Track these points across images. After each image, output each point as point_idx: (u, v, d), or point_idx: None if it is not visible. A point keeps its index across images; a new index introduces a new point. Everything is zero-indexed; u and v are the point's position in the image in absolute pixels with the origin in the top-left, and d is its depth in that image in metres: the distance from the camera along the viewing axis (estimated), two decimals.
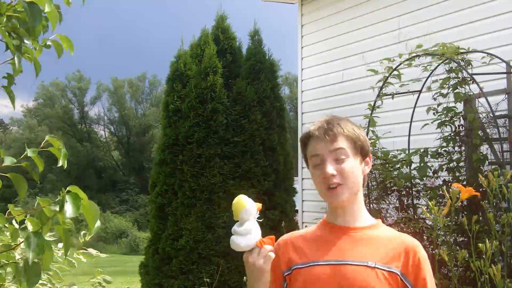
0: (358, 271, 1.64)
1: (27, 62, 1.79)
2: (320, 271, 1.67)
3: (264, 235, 1.71)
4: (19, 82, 1.91)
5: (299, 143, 1.81)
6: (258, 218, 1.71)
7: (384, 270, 1.64)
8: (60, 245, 2.12)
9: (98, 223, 1.37)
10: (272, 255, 1.66)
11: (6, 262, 1.60)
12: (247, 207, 1.68)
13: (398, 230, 1.81)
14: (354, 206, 1.73)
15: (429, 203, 2.94)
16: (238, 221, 1.70)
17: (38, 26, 1.48)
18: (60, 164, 1.48)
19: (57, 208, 1.29)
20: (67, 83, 43.03)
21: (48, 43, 1.77)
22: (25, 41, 1.67)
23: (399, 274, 1.65)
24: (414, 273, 1.65)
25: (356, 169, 1.70)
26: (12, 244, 1.53)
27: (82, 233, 2.30)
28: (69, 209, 1.27)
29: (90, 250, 2.26)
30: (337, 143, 1.68)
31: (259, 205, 1.72)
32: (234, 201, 1.70)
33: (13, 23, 1.59)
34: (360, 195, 1.74)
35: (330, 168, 1.66)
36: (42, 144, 1.46)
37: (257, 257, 1.65)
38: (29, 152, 1.41)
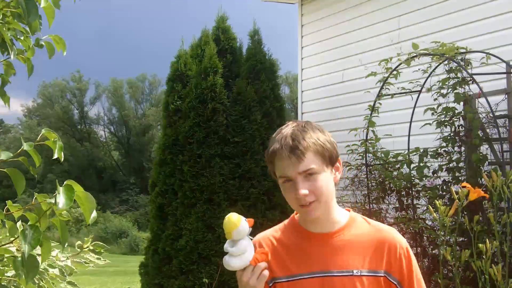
0: (344, 281, 1.61)
1: (22, 63, 1.78)
2: (306, 285, 1.64)
3: None
4: (18, 82, 1.91)
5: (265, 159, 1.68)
6: (249, 234, 1.64)
7: (370, 276, 1.62)
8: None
9: (94, 214, 1.36)
10: (266, 273, 1.61)
11: (5, 256, 1.60)
12: (239, 227, 1.61)
13: (398, 230, 1.79)
14: (327, 213, 1.67)
15: (436, 202, 2.93)
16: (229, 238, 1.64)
17: (35, 21, 1.47)
18: (55, 156, 1.46)
19: (53, 201, 1.28)
20: (67, 84, 43.09)
21: (41, 42, 1.75)
22: (20, 37, 1.66)
23: (384, 274, 1.63)
24: (398, 268, 1.64)
25: (328, 182, 1.63)
26: (11, 239, 1.53)
27: (77, 243, 2.27)
28: (61, 201, 1.26)
29: (91, 255, 2.24)
30: (305, 163, 1.58)
31: (251, 220, 1.65)
32: (225, 221, 1.62)
33: (10, 20, 1.58)
34: (333, 201, 1.69)
35: (302, 189, 1.58)
36: (39, 138, 1.45)
37: (251, 276, 1.60)
38: (25, 146, 1.41)
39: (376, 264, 1.63)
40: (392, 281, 1.63)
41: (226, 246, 1.63)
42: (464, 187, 2.79)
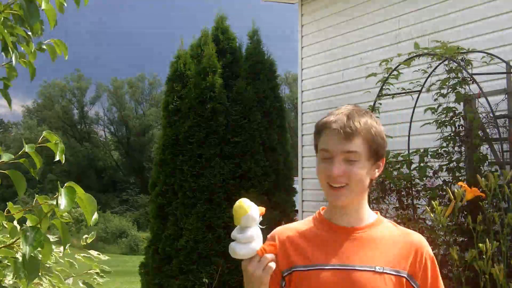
0: (366, 276, 1.57)
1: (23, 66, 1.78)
2: (326, 276, 1.59)
3: (264, 235, 1.61)
4: (18, 83, 1.91)
5: (312, 134, 1.63)
6: (260, 223, 1.57)
7: (392, 274, 1.58)
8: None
9: (95, 215, 1.35)
10: (273, 265, 1.56)
11: (6, 258, 1.59)
12: (249, 213, 1.55)
13: None
14: (356, 206, 1.64)
15: (433, 203, 2.93)
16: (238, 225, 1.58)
17: (36, 23, 1.46)
18: (57, 158, 1.46)
19: (54, 202, 1.28)
20: (67, 83, 43.09)
21: (43, 46, 1.74)
22: (22, 42, 1.66)
23: (406, 276, 1.59)
24: (422, 274, 1.60)
25: (365, 172, 1.59)
26: (12, 240, 1.52)
27: (84, 236, 2.27)
28: (63, 202, 1.25)
29: (91, 251, 2.23)
30: (351, 144, 1.55)
31: (262, 209, 1.58)
32: (235, 206, 1.55)
33: (11, 24, 1.58)
34: (364, 195, 1.66)
35: (338, 169, 1.55)
36: (40, 139, 1.45)
37: (257, 266, 1.55)
38: (26, 148, 1.40)
39: (400, 265, 1.59)
40: (414, 286, 1.59)
41: (234, 233, 1.57)
42: (461, 186, 2.79)
